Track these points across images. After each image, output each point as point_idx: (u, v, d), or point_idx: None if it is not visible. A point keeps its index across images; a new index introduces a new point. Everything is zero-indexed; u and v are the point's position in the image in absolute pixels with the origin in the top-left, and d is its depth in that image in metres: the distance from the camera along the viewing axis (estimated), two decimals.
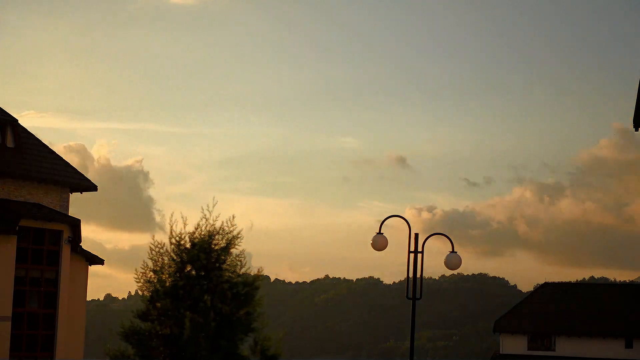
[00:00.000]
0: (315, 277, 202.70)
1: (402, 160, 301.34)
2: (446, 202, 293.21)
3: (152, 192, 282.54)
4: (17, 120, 34.99)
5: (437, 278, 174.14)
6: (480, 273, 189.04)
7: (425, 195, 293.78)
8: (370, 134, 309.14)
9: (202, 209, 11.71)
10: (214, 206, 11.70)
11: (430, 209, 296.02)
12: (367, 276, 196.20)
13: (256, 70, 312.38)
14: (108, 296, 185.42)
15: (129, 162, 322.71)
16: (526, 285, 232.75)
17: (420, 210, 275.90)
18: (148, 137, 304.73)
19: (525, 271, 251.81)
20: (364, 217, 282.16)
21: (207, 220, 11.79)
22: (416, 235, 24.17)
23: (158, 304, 11.77)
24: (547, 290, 71.27)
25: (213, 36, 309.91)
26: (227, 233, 11.84)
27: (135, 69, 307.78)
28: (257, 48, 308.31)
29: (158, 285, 11.74)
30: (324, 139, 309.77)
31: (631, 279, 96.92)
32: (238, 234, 11.88)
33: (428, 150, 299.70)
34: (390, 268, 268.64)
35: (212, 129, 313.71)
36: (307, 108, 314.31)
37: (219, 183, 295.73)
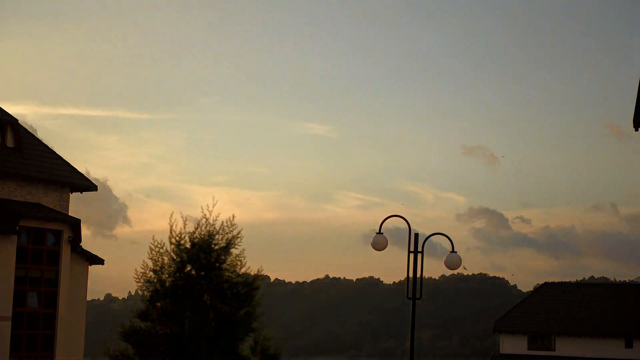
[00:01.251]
0: (315, 277, 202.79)
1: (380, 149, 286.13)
2: (428, 194, 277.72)
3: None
4: (17, 120, 35.00)
5: (437, 278, 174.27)
6: (480, 273, 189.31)
7: (405, 187, 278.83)
8: (344, 120, 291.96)
9: (202, 209, 11.72)
10: (214, 206, 11.72)
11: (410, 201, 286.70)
12: (367, 276, 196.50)
13: (221, 54, 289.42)
14: (108, 296, 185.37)
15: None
16: (526, 285, 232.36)
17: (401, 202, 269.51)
18: (101, 123, 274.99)
19: (525, 271, 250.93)
20: (343, 211, 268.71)
21: (207, 220, 11.80)
22: (416, 235, 24.20)
23: (158, 304, 11.78)
24: (547, 290, 71.34)
25: (177, 18, 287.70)
26: (226, 233, 11.85)
27: (83, 49, 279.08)
28: (226, 31, 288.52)
29: (158, 285, 11.75)
30: (294, 126, 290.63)
31: (631, 278, 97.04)
32: (238, 233, 11.90)
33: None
34: (390, 268, 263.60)
35: (174, 115, 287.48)
36: (278, 93, 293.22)
37: (186, 174, 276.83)
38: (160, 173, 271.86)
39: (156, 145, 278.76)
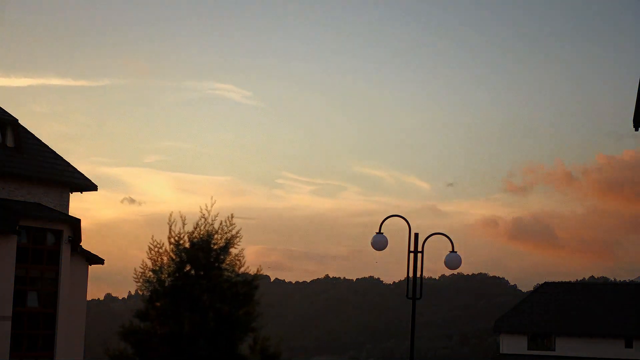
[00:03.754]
0: (315, 277, 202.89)
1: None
2: (388, 175, 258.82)
3: None
4: (17, 120, 35.04)
5: (437, 278, 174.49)
6: (480, 273, 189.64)
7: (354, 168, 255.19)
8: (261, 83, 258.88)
9: (201, 208, 11.74)
10: (212, 205, 11.73)
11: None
12: (367, 276, 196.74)
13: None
14: (108, 296, 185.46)
15: None
16: (526, 285, 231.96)
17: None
18: None
19: (525, 271, 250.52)
20: (297, 198, 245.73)
21: (205, 219, 11.81)
22: (416, 235, 24.24)
23: (157, 304, 11.79)
24: (547, 290, 71.38)
25: None
26: (225, 232, 11.86)
27: None
28: None
29: (157, 285, 11.76)
30: (202, 86, 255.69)
31: (631, 278, 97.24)
32: (237, 233, 11.91)
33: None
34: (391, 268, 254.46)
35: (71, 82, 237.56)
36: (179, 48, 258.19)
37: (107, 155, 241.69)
38: (74, 153, 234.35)
39: (56, 121, 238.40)
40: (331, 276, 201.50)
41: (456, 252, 24.42)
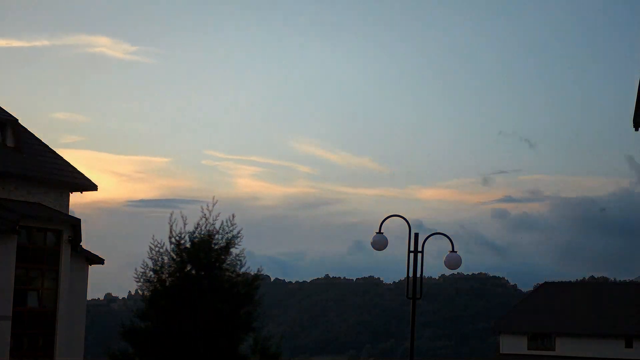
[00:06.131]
0: (315, 277, 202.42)
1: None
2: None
3: None
4: (17, 119, 35.03)
5: (437, 278, 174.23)
6: (480, 273, 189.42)
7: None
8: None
9: (202, 209, 11.74)
10: (213, 205, 11.74)
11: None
12: (367, 276, 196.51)
13: None
14: (108, 296, 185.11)
15: None
16: (526, 285, 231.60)
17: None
18: None
19: (525, 271, 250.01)
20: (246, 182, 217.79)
21: (206, 219, 11.82)
22: (416, 234, 24.21)
23: (158, 303, 11.80)
24: (547, 290, 71.38)
25: None
26: (226, 233, 11.87)
27: None
28: None
29: (158, 285, 11.77)
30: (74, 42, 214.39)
31: (631, 278, 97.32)
32: (238, 233, 11.92)
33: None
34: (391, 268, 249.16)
35: None
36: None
37: None
38: None
39: None
40: (331, 276, 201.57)
41: (456, 251, 24.41)
